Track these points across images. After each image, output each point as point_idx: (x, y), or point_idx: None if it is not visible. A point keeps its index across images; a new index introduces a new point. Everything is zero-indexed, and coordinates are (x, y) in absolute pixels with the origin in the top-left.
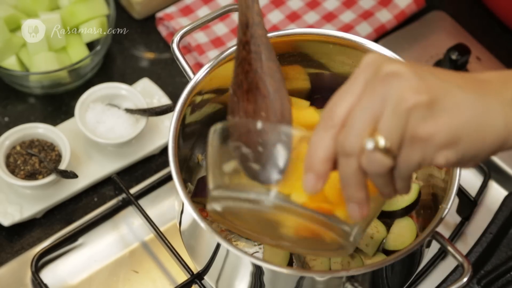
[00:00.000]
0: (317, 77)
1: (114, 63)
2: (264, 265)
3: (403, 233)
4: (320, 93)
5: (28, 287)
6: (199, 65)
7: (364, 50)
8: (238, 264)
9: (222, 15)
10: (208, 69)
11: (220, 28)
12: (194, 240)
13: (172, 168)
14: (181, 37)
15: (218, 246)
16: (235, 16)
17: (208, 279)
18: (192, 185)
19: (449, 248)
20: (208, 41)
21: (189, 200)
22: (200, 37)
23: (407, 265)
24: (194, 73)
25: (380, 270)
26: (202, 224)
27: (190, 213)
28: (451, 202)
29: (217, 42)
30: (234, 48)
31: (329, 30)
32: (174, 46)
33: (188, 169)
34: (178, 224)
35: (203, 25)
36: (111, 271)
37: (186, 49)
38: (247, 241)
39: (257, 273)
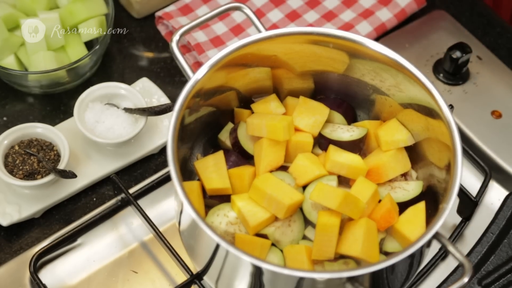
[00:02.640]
0: (320, 77)
1: (113, 63)
2: (264, 266)
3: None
4: (324, 93)
5: None
6: (199, 64)
7: (365, 49)
8: (238, 265)
9: (222, 13)
10: (208, 68)
11: (219, 27)
12: (193, 240)
13: (171, 168)
14: (180, 36)
15: (217, 246)
16: (234, 15)
17: (207, 280)
18: None
19: (450, 248)
20: (207, 40)
21: (188, 201)
22: (199, 36)
23: (408, 265)
24: (194, 72)
25: (380, 271)
26: (202, 225)
27: (190, 213)
28: (452, 202)
29: (217, 41)
30: (234, 47)
31: (329, 29)
32: (173, 45)
33: (188, 168)
34: (177, 224)
35: (202, 24)
36: (110, 271)
37: (185, 48)
38: None
39: (257, 273)
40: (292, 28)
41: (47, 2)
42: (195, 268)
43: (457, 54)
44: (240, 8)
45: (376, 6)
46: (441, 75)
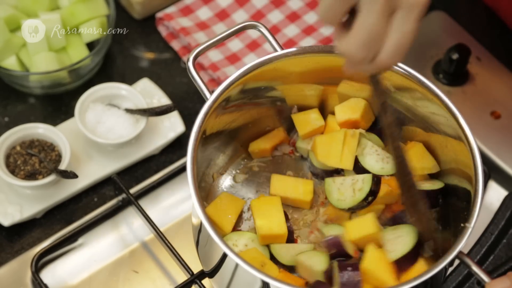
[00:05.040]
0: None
1: (114, 63)
2: (272, 282)
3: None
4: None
5: (28, 287)
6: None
7: None
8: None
9: (238, 32)
10: (226, 86)
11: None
12: (210, 255)
13: (191, 186)
14: (196, 57)
15: (224, 255)
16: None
17: (214, 284)
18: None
19: (474, 268)
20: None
21: (207, 219)
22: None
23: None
24: (210, 91)
25: None
26: (221, 243)
27: (210, 234)
28: (474, 221)
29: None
30: (249, 65)
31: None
32: (190, 65)
33: (201, 186)
34: (195, 241)
35: (219, 43)
36: (111, 271)
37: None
38: None
39: None
40: (312, 46)
41: (48, 3)
42: (195, 268)
43: (456, 55)
44: (256, 26)
45: None
46: (441, 76)
